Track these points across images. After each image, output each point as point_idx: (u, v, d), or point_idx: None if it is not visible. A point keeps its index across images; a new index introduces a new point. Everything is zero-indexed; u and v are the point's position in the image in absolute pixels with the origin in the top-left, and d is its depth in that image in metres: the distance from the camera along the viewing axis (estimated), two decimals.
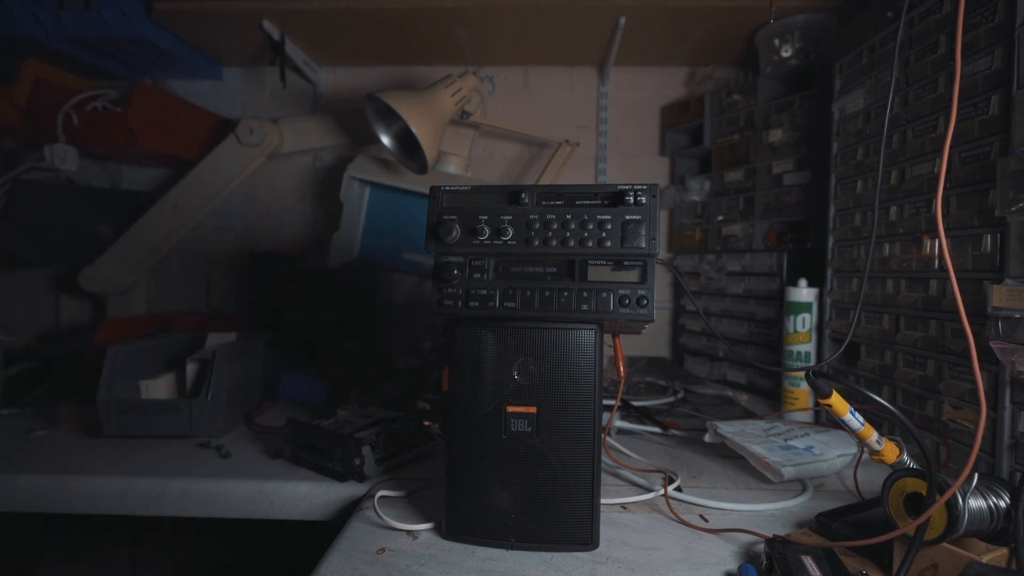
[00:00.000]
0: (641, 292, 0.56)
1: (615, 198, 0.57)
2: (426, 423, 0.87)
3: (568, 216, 0.57)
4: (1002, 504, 0.47)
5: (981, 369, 0.67)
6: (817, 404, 0.56)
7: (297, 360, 1.29)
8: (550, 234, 0.57)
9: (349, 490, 0.75)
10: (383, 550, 0.58)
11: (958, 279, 0.71)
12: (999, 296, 0.62)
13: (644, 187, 0.56)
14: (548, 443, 0.57)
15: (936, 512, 0.46)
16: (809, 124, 1.16)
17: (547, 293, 0.57)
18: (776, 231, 1.25)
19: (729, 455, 0.84)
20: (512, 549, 0.58)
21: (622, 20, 1.21)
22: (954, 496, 0.46)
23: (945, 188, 0.73)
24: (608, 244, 0.56)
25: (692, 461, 0.84)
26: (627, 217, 0.56)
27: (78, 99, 1.24)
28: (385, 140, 1.23)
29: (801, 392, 0.99)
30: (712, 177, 1.38)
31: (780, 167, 1.22)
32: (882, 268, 0.87)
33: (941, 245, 0.61)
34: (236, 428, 1.00)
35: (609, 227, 0.56)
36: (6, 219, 1.25)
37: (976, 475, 0.48)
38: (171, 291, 1.59)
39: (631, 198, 0.56)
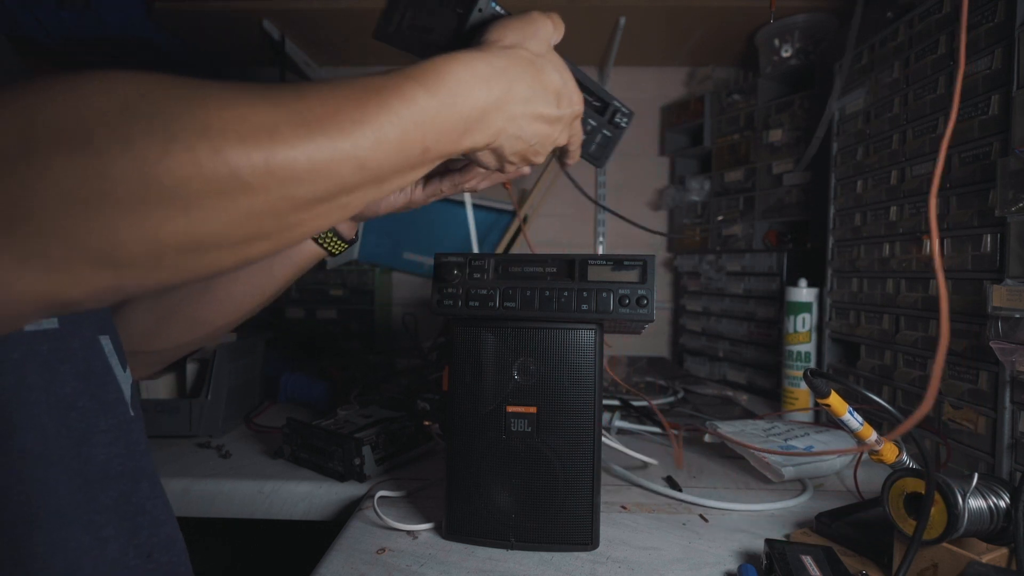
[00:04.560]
0: (641, 292, 0.56)
1: None
2: (426, 423, 0.87)
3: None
4: (1002, 504, 0.47)
5: (981, 369, 0.67)
6: (816, 404, 0.56)
7: (297, 360, 1.29)
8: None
9: (349, 490, 0.75)
10: (383, 550, 0.58)
11: (958, 279, 0.71)
12: (999, 296, 0.62)
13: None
14: (548, 443, 0.57)
15: (936, 512, 0.47)
16: (809, 124, 1.16)
17: (547, 293, 0.57)
18: (776, 231, 1.25)
19: (729, 455, 0.84)
20: (512, 549, 0.58)
21: (622, 20, 1.21)
22: (954, 496, 0.46)
23: (945, 188, 0.73)
24: None
25: (692, 461, 0.84)
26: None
27: None
28: None
29: (801, 392, 0.99)
30: (712, 177, 1.38)
31: (780, 167, 1.22)
32: (882, 268, 0.87)
33: (932, 243, 0.60)
34: (236, 428, 1.00)
35: None
36: None
37: (976, 475, 0.48)
38: None
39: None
